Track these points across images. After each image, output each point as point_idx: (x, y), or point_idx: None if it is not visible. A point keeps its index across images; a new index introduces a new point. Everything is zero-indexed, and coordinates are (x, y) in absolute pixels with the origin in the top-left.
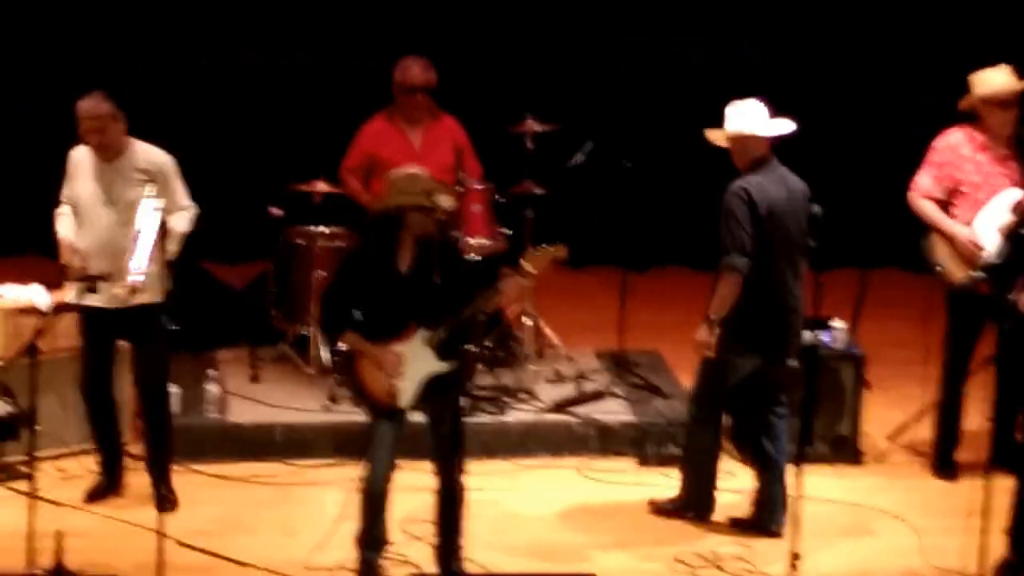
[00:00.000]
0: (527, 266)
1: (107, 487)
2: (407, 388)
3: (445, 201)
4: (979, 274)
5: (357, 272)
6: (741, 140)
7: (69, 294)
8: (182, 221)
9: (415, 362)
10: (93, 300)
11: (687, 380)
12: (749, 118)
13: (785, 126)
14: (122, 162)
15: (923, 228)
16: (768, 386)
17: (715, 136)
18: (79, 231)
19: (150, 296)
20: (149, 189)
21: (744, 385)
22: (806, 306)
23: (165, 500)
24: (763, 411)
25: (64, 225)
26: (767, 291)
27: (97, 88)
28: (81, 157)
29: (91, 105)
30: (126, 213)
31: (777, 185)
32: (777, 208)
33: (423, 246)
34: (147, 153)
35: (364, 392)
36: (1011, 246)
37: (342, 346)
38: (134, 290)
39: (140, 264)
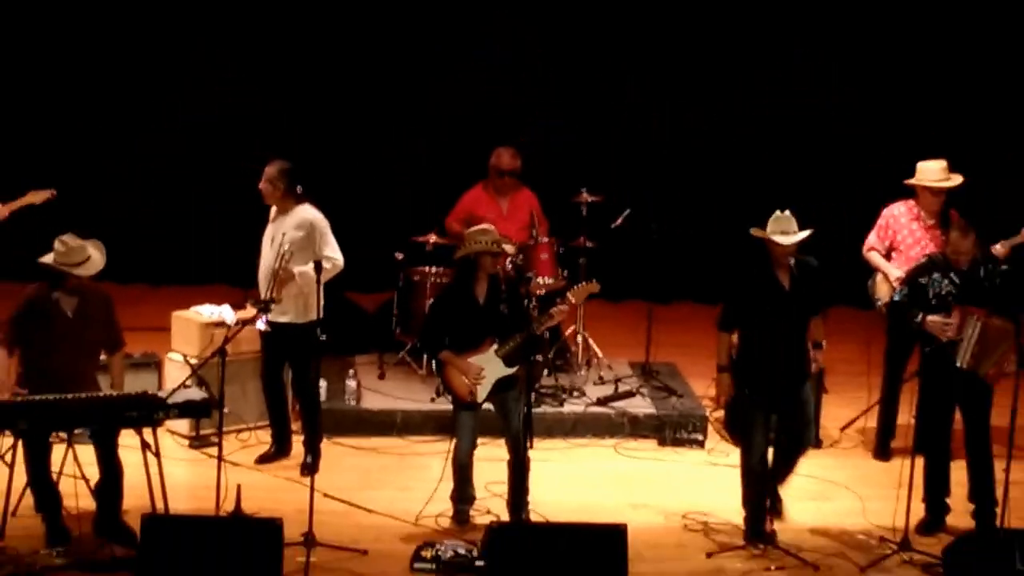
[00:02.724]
0: (571, 297)
1: (276, 454)
2: (483, 388)
3: (508, 247)
4: (896, 298)
5: (447, 306)
6: None
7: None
8: (320, 265)
9: (489, 369)
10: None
11: (696, 384)
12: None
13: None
14: (286, 217)
15: (870, 272)
16: None
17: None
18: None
19: (293, 317)
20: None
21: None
22: None
23: (307, 467)
24: None
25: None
26: None
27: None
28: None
29: (266, 171)
30: (276, 255)
31: None
32: None
33: (493, 283)
34: (305, 212)
35: (452, 390)
36: (913, 288)
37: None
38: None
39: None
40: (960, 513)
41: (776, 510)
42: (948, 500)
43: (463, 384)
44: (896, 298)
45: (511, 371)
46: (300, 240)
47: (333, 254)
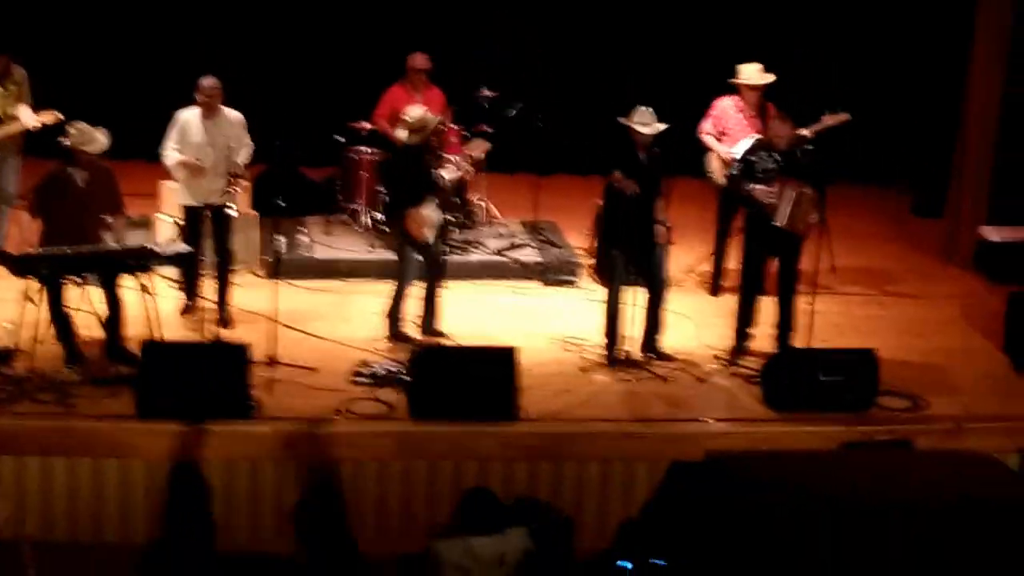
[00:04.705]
0: (467, 151)
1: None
2: (431, 232)
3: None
4: (734, 172)
5: (404, 171)
6: None
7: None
8: (246, 153)
9: (431, 215)
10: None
11: (572, 238)
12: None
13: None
14: (219, 120)
15: (704, 151)
16: None
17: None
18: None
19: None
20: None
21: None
22: None
23: (224, 321)
24: None
25: (176, 157)
26: None
27: (215, 72)
28: (189, 116)
29: (210, 84)
30: (221, 151)
31: None
32: None
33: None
34: (231, 113)
35: (408, 235)
36: (746, 164)
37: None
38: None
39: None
40: (763, 338)
41: (653, 340)
42: (752, 330)
43: (418, 229)
44: (734, 172)
45: (445, 216)
46: (237, 137)
47: (249, 141)
